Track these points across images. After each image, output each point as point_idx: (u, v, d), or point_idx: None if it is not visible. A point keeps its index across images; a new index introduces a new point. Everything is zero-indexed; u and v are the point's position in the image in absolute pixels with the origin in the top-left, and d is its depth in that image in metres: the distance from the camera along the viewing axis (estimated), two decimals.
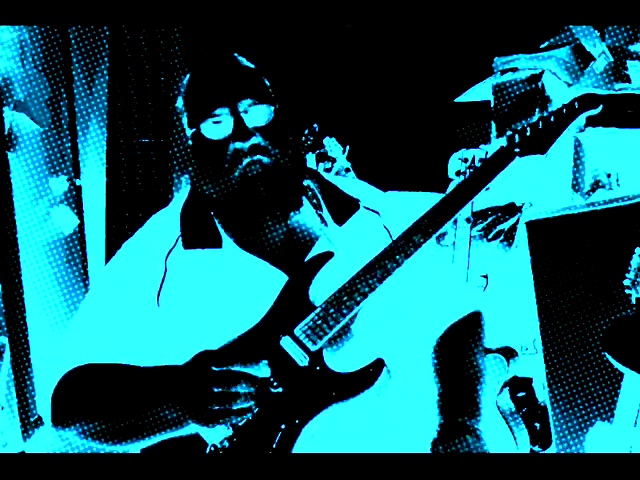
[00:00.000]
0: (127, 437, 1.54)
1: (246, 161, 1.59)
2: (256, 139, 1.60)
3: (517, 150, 1.67)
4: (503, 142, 1.69)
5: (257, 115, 1.62)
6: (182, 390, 1.47)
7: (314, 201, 1.73)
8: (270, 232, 1.66)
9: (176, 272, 1.63)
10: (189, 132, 1.67)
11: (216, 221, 1.68)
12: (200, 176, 1.65)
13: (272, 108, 1.64)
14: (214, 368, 1.45)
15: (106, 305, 1.64)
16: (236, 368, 1.47)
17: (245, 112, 1.61)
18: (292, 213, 1.67)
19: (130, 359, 1.58)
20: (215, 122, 1.61)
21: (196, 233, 1.67)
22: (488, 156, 1.69)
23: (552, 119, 1.70)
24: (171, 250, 1.65)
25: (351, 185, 1.80)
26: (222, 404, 1.44)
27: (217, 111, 1.60)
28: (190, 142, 1.67)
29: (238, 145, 1.59)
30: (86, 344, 1.61)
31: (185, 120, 1.68)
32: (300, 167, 1.70)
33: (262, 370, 1.49)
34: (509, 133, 1.71)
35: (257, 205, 1.62)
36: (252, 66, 1.70)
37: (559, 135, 1.70)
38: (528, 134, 1.69)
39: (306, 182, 1.74)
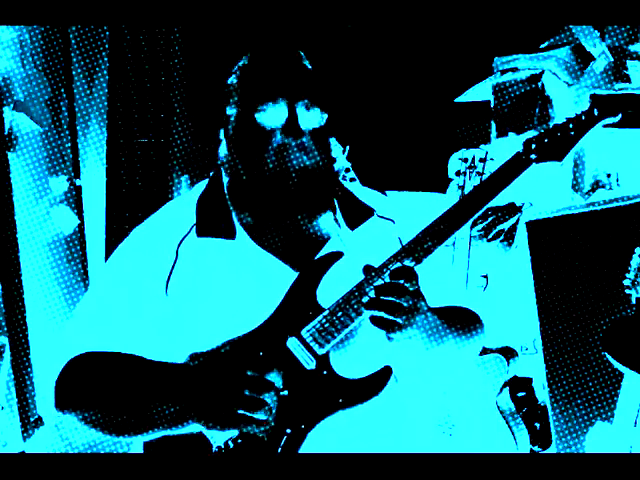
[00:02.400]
0: (128, 429, 1.54)
1: (288, 156, 1.60)
2: (305, 139, 1.61)
3: (534, 157, 1.67)
4: (519, 147, 1.69)
5: (310, 117, 1.63)
6: (205, 385, 1.46)
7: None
8: (284, 227, 1.66)
9: (187, 260, 1.63)
10: (232, 111, 1.66)
11: (233, 213, 1.68)
12: (237, 156, 1.65)
13: (325, 115, 1.66)
14: (249, 373, 1.45)
15: (113, 292, 1.64)
16: (270, 376, 1.48)
17: (301, 111, 1.62)
18: (318, 216, 1.68)
19: (136, 347, 1.58)
20: (271, 110, 1.61)
21: (211, 222, 1.67)
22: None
23: (570, 126, 1.70)
24: (184, 237, 1.65)
25: (368, 194, 1.81)
26: (249, 410, 1.43)
27: (276, 101, 1.61)
28: (232, 122, 1.66)
29: (287, 140, 1.60)
30: (91, 331, 1.61)
31: (234, 99, 1.66)
32: (333, 175, 1.72)
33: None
34: (526, 138, 1.70)
35: (284, 200, 1.62)
36: (311, 70, 1.71)
37: (577, 142, 1.70)
38: (546, 141, 1.68)
39: None
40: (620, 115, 1.70)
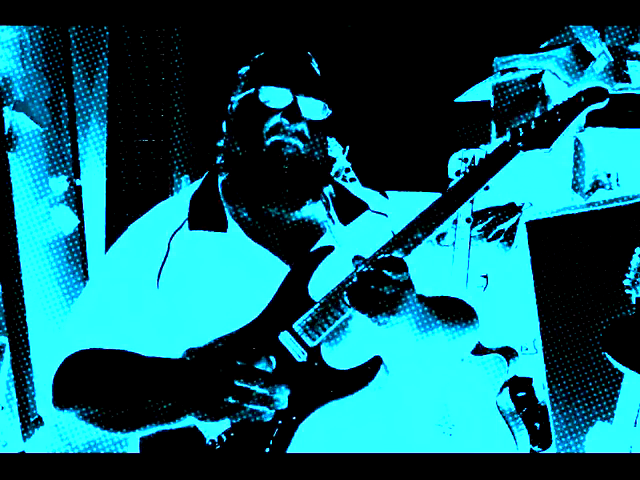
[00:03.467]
0: (125, 424, 1.54)
1: (283, 138, 1.63)
2: (302, 126, 1.64)
3: (521, 144, 1.66)
4: (507, 137, 1.68)
5: (312, 108, 1.67)
6: (197, 377, 1.47)
7: (324, 201, 1.76)
8: (278, 221, 1.67)
9: (178, 253, 1.64)
10: (238, 96, 1.70)
11: (226, 208, 1.70)
12: (237, 134, 1.68)
13: (328, 110, 1.70)
14: (238, 363, 1.46)
15: (108, 286, 1.65)
16: (259, 366, 1.48)
17: (303, 100, 1.66)
18: (307, 204, 1.68)
19: (131, 341, 1.59)
20: (274, 91, 1.65)
21: (203, 215, 1.68)
22: (490, 152, 1.69)
23: (557, 113, 1.69)
24: (177, 231, 1.67)
25: (361, 191, 1.83)
26: (240, 399, 1.43)
27: (281, 86, 1.66)
28: (235, 107, 1.71)
29: (285, 121, 1.63)
30: (89, 326, 1.62)
31: (242, 85, 1.71)
32: (326, 169, 1.74)
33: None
34: (514, 126, 1.69)
35: (275, 181, 1.63)
36: (319, 73, 1.76)
37: (564, 129, 1.68)
38: (532, 127, 1.68)
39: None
40: (607, 100, 1.69)
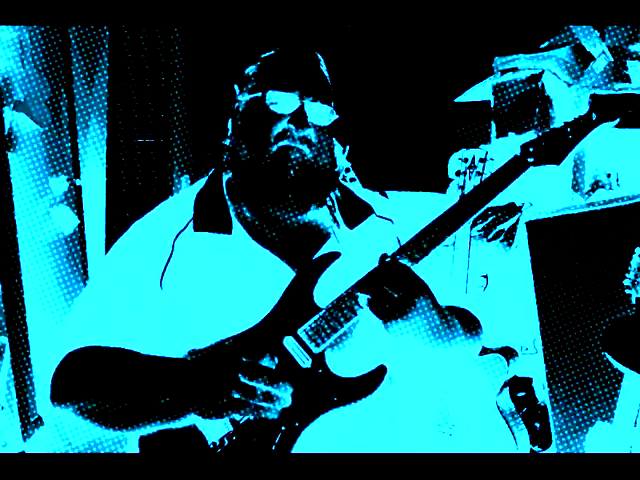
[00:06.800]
0: (125, 421, 1.54)
1: (290, 143, 1.63)
2: (309, 131, 1.64)
3: (531, 160, 1.67)
4: (517, 151, 1.70)
5: (319, 114, 1.66)
6: (200, 373, 1.47)
7: (329, 203, 1.75)
8: (282, 224, 1.67)
9: (182, 254, 1.64)
10: (245, 97, 1.69)
11: (231, 209, 1.69)
12: (243, 138, 1.67)
13: (334, 115, 1.70)
14: (243, 359, 1.46)
15: (110, 285, 1.65)
16: (264, 362, 1.48)
17: (310, 105, 1.65)
18: (313, 208, 1.68)
19: (133, 340, 1.59)
20: (282, 96, 1.64)
21: (208, 216, 1.68)
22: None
23: (569, 130, 1.71)
24: (181, 232, 1.66)
25: (367, 195, 1.82)
26: (244, 395, 1.43)
27: (289, 90, 1.64)
28: (241, 108, 1.70)
29: (291, 126, 1.63)
30: (89, 325, 1.62)
31: (250, 86, 1.70)
32: (334, 175, 1.73)
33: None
34: (524, 142, 1.70)
35: (280, 187, 1.63)
36: (327, 76, 1.75)
37: (575, 146, 1.70)
38: (543, 144, 1.69)
39: None
40: (618, 119, 1.70)
